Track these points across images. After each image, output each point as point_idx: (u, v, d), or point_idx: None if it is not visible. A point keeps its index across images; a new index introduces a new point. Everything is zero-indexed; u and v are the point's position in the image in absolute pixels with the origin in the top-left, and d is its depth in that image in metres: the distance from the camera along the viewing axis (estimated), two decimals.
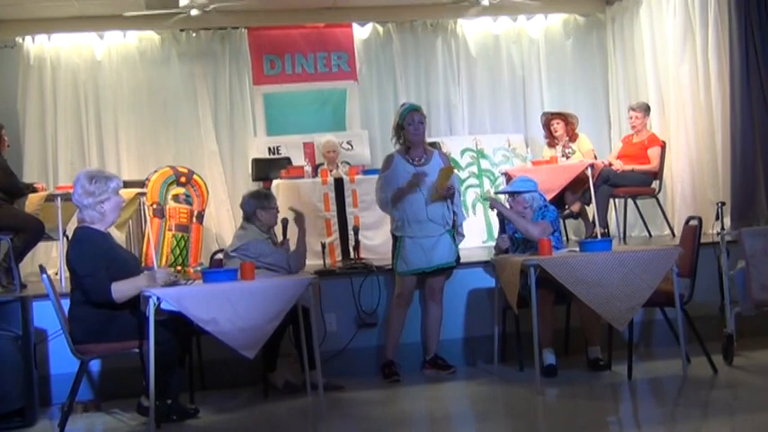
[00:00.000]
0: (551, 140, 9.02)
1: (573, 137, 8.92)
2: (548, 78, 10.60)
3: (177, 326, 5.21)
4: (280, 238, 6.20)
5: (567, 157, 8.79)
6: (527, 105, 10.63)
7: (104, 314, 5.07)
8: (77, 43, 9.93)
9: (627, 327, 5.62)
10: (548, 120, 9.04)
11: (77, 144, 9.84)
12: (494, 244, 6.64)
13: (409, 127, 6.14)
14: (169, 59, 10.12)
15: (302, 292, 5.40)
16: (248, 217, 6.07)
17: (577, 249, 5.86)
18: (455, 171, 6.44)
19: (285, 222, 6.11)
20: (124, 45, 10.04)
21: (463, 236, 6.34)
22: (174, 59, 10.13)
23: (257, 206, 6.02)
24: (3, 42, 9.77)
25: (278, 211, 6.12)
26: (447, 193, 6.07)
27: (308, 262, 7.83)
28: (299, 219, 6.16)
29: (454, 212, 6.21)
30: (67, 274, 5.30)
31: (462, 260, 6.48)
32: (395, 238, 6.25)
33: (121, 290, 4.99)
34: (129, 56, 10.04)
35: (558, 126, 8.92)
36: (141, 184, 8.67)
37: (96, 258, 5.03)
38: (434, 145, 9.20)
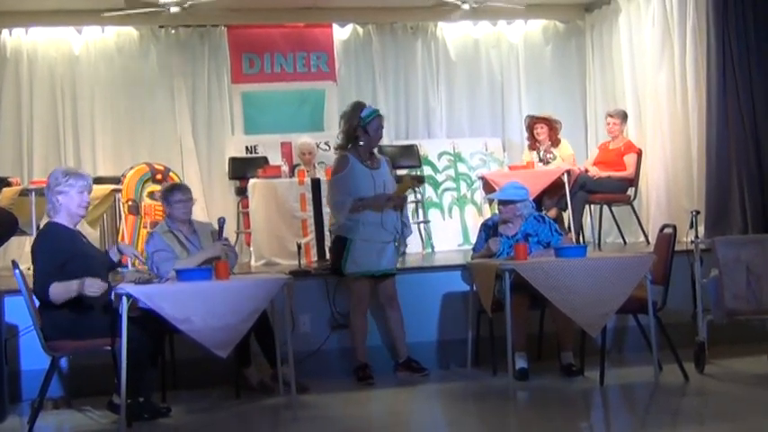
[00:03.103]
0: (533, 143, 9.04)
1: (555, 142, 8.93)
2: (526, 83, 10.59)
3: (150, 324, 5.20)
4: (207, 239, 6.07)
5: (547, 162, 8.81)
6: (505, 109, 10.62)
7: (76, 311, 5.04)
8: (55, 37, 9.84)
9: (600, 333, 5.66)
10: (532, 123, 9.03)
11: (53, 139, 9.75)
12: (469, 247, 6.66)
13: (376, 133, 6.17)
14: (147, 56, 10.05)
15: (276, 292, 5.40)
16: (164, 210, 6.13)
17: (553, 255, 5.87)
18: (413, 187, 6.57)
19: (221, 222, 5.99)
20: (102, 40, 9.96)
21: (406, 245, 6.51)
22: (152, 56, 10.06)
23: (164, 199, 6.04)
24: None
25: (189, 203, 5.99)
26: (400, 202, 6.13)
27: (283, 261, 7.87)
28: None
29: (403, 223, 6.27)
30: None
31: (437, 263, 6.50)
32: (340, 240, 6.21)
33: (57, 291, 4.98)
34: (107, 51, 9.96)
35: (542, 130, 8.92)
36: (117, 180, 8.62)
37: (51, 254, 5.01)
38: (412, 147, 9.32)
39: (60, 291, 4.96)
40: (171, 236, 5.89)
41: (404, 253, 6.40)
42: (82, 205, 5.25)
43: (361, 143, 6.18)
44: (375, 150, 6.36)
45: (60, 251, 5.04)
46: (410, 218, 6.37)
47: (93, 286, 4.94)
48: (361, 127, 6.16)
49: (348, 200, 6.08)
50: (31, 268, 5.22)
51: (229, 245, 6.16)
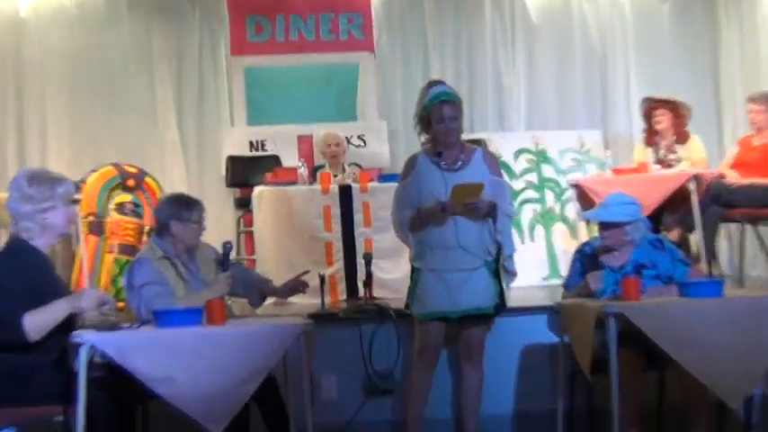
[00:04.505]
0: (651, 138, 8.97)
1: (681, 137, 8.85)
2: (636, 56, 10.61)
3: (117, 386, 5.17)
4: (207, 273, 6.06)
5: (668, 165, 8.73)
6: (607, 92, 10.65)
7: (20, 366, 5.01)
8: None
9: (744, 404, 5.58)
10: (650, 108, 8.97)
11: None
12: (558, 282, 6.59)
13: (439, 126, 6.03)
14: (117, 19, 10.17)
15: (290, 344, 5.35)
16: (160, 229, 6.00)
17: (676, 293, 5.79)
18: (505, 182, 6.31)
19: (227, 248, 5.98)
20: None
21: (514, 273, 6.22)
22: (124, 19, 10.18)
23: (172, 215, 5.93)
24: None
25: (202, 228, 6.02)
26: (472, 206, 5.92)
27: (299, 300, 7.84)
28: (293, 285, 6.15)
29: (497, 240, 6.12)
30: None
31: (514, 304, 6.40)
32: (412, 271, 6.19)
33: (36, 322, 4.93)
34: (64, 13, 10.09)
35: (664, 119, 8.84)
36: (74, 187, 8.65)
37: (20, 279, 4.99)
38: (479, 142, 9.21)
39: (40, 319, 4.91)
40: (167, 264, 5.88)
41: (510, 282, 6.25)
42: (71, 219, 5.31)
43: (430, 136, 6.12)
44: (465, 142, 6.17)
45: (33, 280, 5.04)
46: (509, 229, 6.19)
47: (93, 298, 4.99)
48: (424, 116, 6.09)
49: (407, 215, 6.03)
50: None
51: (248, 272, 6.16)
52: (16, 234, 5.18)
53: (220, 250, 6.01)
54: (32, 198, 5.12)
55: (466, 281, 5.98)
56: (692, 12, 10.64)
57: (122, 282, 6.07)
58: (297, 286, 6.24)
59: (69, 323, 5.11)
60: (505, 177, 9.48)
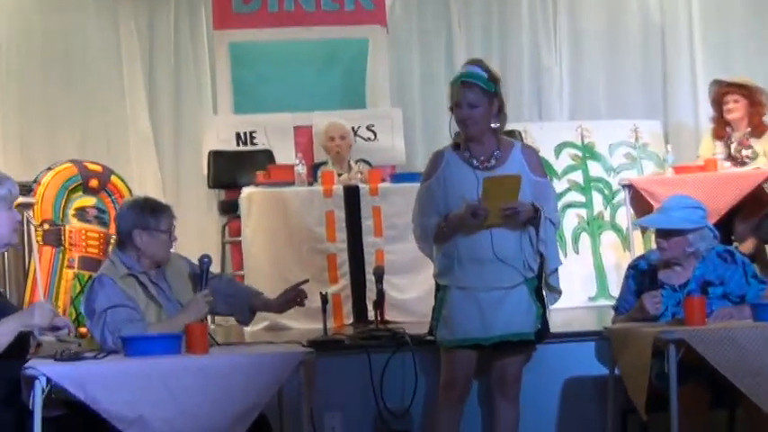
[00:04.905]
0: (721, 129, 9.01)
1: (758, 128, 8.88)
2: (703, 29, 10.63)
3: (80, 427, 5.20)
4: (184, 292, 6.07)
5: (742, 163, 8.78)
6: (668, 74, 10.70)
7: None
8: None
9: None
10: (720, 93, 9.01)
11: None
12: (608, 303, 6.62)
13: (456, 112, 6.08)
14: None
15: (287, 376, 5.40)
16: (122, 241, 5.99)
17: (748, 315, 5.84)
18: (549, 183, 6.34)
19: (206, 264, 5.99)
20: None
21: (559, 291, 6.27)
22: None
23: (135, 224, 5.87)
24: None
25: (172, 239, 6.01)
26: (511, 211, 5.94)
27: (297, 324, 7.90)
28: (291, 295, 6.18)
29: (540, 252, 6.17)
30: None
31: (555, 329, 6.45)
32: (437, 288, 6.22)
33: None
34: None
35: (737, 105, 8.87)
36: (26, 189, 8.70)
37: None
38: (513, 134, 9.25)
39: None
40: (132, 281, 5.86)
41: (554, 302, 6.27)
42: (13, 225, 5.34)
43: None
44: (500, 135, 6.13)
45: None
46: (554, 238, 6.19)
47: (46, 314, 5.02)
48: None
49: (432, 222, 6.07)
50: None
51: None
52: None
53: (197, 265, 6.03)
54: None
55: (502, 301, 5.98)
56: None
57: (81, 306, 6.04)
58: (294, 298, 6.19)
59: (21, 347, 5.15)
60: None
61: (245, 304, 6.25)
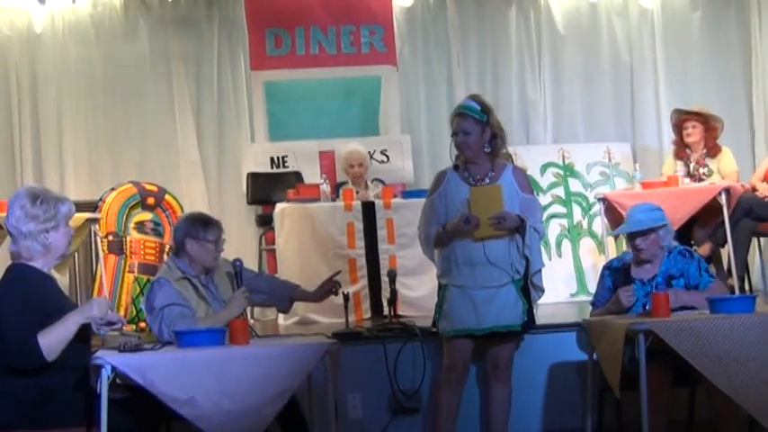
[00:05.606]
0: (681, 150, 8.99)
1: (713, 150, 8.89)
2: (666, 66, 10.58)
3: (140, 408, 5.20)
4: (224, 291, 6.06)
5: (699, 179, 8.76)
6: (636, 103, 10.64)
7: (38, 388, 5.02)
8: (9, 6, 10.02)
9: None
10: (680, 120, 9.00)
11: (6, 150, 9.93)
12: (587, 298, 6.60)
13: (453, 138, 6.14)
14: (135, 34, 10.22)
15: (315, 363, 5.39)
16: (177, 249, 6.00)
17: (706, 309, 5.82)
18: (537, 200, 6.33)
19: (238, 265, 5.95)
20: (73, 12, 10.13)
21: (542, 289, 6.27)
22: (141, 34, 10.23)
23: (187, 234, 5.90)
24: None
25: (219, 250, 5.99)
26: (497, 219, 5.96)
27: (323, 319, 7.90)
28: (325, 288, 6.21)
29: (525, 256, 6.13)
30: None
31: (541, 322, 6.44)
32: (439, 287, 6.26)
33: (50, 340, 4.92)
34: (80, 28, 10.14)
35: (695, 131, 8.88)
36: (93, 206, 8.70)
37: (27, 305, 5.01)
38: (505, 156, 9.17)
39: (56, 335, 4.94)
40: (186, 284, 5.88)
41: (538, 298, 6.26)
42: (69, 239, 5.29)
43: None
44: (495, 158, 6.16)
45: (44, 304, 5.05)
46: (538, 244, 6.19)
47: (102, 305, 5.04)
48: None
49: (433, 230, 6.11)
50: None
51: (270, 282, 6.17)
52: (17, 254, 5.18)
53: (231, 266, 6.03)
54: (37, 217, 5.10)
55: (493, 297, 6.03)
56: (724, 23, 10.61)
57: (142, 304, 6.05)
58: (329, 288, 6.29)
59: (84, 337, 5.16)
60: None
61: (286, 296, 6.34)
